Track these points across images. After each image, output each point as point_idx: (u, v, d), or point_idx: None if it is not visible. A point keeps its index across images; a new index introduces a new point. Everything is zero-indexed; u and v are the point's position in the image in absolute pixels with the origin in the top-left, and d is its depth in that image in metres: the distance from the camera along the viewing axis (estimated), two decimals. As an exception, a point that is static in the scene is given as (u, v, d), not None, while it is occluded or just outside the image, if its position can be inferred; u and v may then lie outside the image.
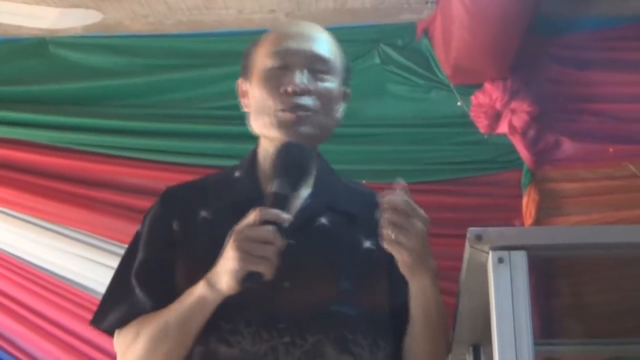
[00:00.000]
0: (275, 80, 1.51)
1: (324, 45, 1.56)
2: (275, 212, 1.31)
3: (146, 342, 1.42)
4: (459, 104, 3.39)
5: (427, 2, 3.33)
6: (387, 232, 1.32)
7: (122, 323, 1.46)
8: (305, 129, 1.48)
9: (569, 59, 3.41)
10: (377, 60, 3.46)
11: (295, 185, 1.39)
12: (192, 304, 1.38)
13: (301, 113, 1.48)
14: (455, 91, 3.38)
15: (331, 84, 1.54)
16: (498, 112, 3.30)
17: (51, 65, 3.53)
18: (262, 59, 1.54)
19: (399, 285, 1.44)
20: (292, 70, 1.51)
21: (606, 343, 2.28)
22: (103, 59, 3.54)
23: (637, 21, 3.42)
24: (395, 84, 3.45)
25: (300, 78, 1.49)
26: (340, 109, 1.59)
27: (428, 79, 3.42)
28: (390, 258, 1.44)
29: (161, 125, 3.45)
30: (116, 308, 1.48)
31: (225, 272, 1.32)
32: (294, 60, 1.52)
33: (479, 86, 3.33)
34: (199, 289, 1.37)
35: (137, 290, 1.46)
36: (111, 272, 1.56)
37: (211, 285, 1.35)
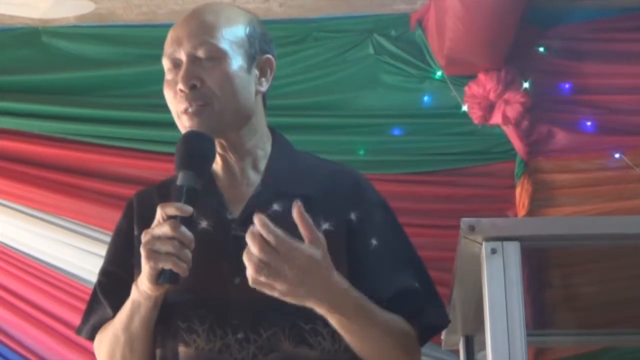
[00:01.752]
0: (171, 83, 1.45)
1: (206, 29, 1.45)
2: (177, 206, 1.29)
3: (106, 348, 1.44)
4: (452, 94, 3.38)
5: (421, -8, 3.33)
6: (252, 274, 1.23)
7: (94, 330, 1.48)
8: (205, 124, 1.41)
9: (562, 49, 3.41)
10: (371, 51, 3.45)
11: (201, 175, 1.35)
12: (129, 308, 1.38)
13: (198, 109, 1.42)
14: (448, 82, 3.38)
15: (226, 65, 1.43)
16: (492, 103, 3.30)
17: (44, 55, 3.52)
18: (163, 60, 1.49)
19: (359, 267, 1.41)
20: (181, 67, 1.44)
21: (598, 334, 2.29)
22: (96, 49, 3.53)
23: (631, 12, 3.42)
24: (389, 75, 3.44)
25: (186, 74, 1.42)
26: (253, 82, 1.48)
27: (421, 69, 3.42)
28: (350, 241, 1.42)
29: (154, 115, 3.43)
30: (91, 316, 1.49)
31: (143, 274, 1.31)
32: (179, 56, 1.44)
33: (472, 77, 3.33)
34: (132, 293, 1.37)
35: (102, 299, 1.48)
36: (101, 261, 1.57)
37: (138, 289, 1.35)
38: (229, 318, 1.38)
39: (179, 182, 1.33)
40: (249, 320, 1.38)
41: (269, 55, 1.52)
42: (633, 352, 3.15)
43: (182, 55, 1.44)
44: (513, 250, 1.17)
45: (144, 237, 1.29)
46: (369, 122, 3.45)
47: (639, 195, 3.29)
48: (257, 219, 1.23)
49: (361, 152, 3.38)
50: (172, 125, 3.74)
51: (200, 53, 1.43)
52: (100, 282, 1.49)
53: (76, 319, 3.35)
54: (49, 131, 3.41)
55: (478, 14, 2.91)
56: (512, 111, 3.27)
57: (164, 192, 1.50)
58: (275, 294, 1.26)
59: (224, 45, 1.45)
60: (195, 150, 1.37)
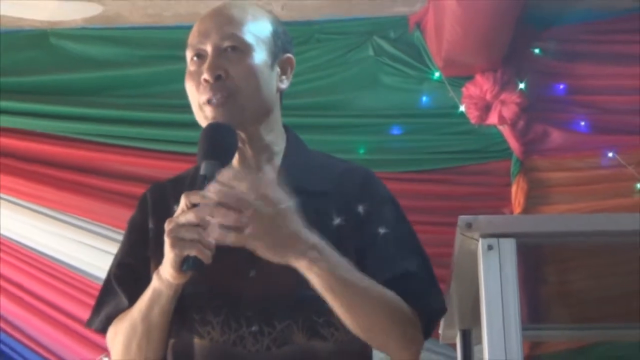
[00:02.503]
0: (194, 74, 1.45)
1: (234, 22, 1.45)
2: (200, 194, 1.26)
3: (122, 338, 1.41)
4: (450, 95, 3.38)
5: (419, -5, 3.33)
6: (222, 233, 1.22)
7: (108, 322, 1.46)
8: (228, 115, 1.41)
9: (557, 51, 3.41)
10: (371, 52, 3.45)
11: (224, 165, 1.33)
12: (149, 297, 1.36)
13: (221, 99, 1.41)
14: (446, 83, 3.38)
15: (251, 59, 1.43)
16: (488, 104, 3.30)
17: (52, 56, 3.52)
18: (187, 52, 1.49)
19: (365, 253, 1.40)
20: (205, 58, 1.43)
21: (591, 328, 2.29)
22: (103, 50, 3.53)
23: (624, 14, 3.42)
24: (388, 76, 3.45)
25: (211, 65, 1.41)
26: (275, 78, 1.48)
27: (420, 70, 3.42)
28: (360, 231, 1.42)
29: (160, 115, 3.45)
30: (103, 308, 1.47)
31: (166, 262, 1.29)
32: (204, 47, 1.44)
33: (469, 78, 3.33)
34: (153, 282, 1.35)
35: (118, 290, 1.46)
36: (107, 257, 1.57)
37: (160, 278, 1.33)
38: (244, 310, 1.37)
39: (202, 171, 1.32)
40: (263, 313, 1.37)
41: (290, 55, 1.53)
42: (625, 347, 3.15)
43: (208, 47, 1.44)
44: (509, 246, 1.17)
45: (168, 226, 1.27)
46: (369, 122, 3.45)
47: (632, 193, 3.29)
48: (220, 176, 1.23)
49: (361, 151, 3.38)
50: (176, 124, 3.78)
51: (227, 44, 1.43)
52: (115, 274, 1.48)
53: (81, 312, 3.39)
54: (56, 130, 3.41)
55: (475, 16, 2.92)
56: (508, 111, 3.27)
57: (178, 186, 1.49)
58: (260, 250, 1.25)
59: (250, 39, 1.45)
60: (218, 140, 1.37)
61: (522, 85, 3.29)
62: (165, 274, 1.31)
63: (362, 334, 1.37)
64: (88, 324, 1.50)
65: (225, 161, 1.35)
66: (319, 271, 1.29)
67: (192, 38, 1.48)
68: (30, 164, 3.38)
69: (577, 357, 3.23)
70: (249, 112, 1.44)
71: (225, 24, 1.45)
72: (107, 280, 1.51)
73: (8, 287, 3.39)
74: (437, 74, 3.38)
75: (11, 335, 3.38)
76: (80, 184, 3.37)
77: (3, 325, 3.38)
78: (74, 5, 3.22)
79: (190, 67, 1.47)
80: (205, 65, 1.42)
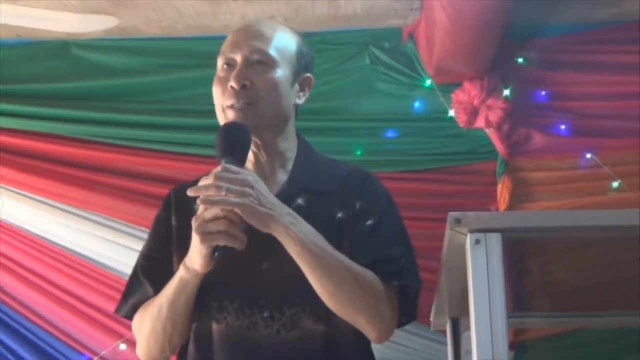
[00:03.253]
0: (222, 80, 1.48)
1: (265, 39, 1.48)
2: (209, 183, 1.31)
3: (148, 323, 1.45)
4: (440, 101, 3.39)
5: (412, 9, 3.32)
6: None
7: (135, 309, 1.49)
8: (247, 121, 1.43)
9: (540, 60, 3.41)
10: (368, 62, 3.45)
11: (241, 161, 1.37)
12: (176, 286, 1.40)
13: (244, 106, 1.44)
14: (437, 89, 3.38)
15: (271, 74, 1.46)
16: (476, 109, 3.30)
17: (73, 65, 3.51)
18: (218, 59, 1.51)
19: (353, 242, 1.43)
20: (234, 68, 1.47)
21: (570, 316, 2.29)
22: (120, 60, 3.53)
23: (600, 27, 3.42)
24: (384, 83, 3.45)
25: (239, 74, 1.45)
26: (293, 94, 1.52)
27: (413, 78, 3.42)
28: (353, 222, 1.45)
29: (173, 119, 3.45)
30: (131, 297, 1.51)
31: (195, 254, 1.33)
32: (235, 57, 1.47)
33: (458, 85, 3.33)
34: (180, 273, 1.39)
35: (144, 281, 1.49)
36: (128, 252, 1.59)
37: (187, 268, 1.36)
38: (257, 298, 1.40)
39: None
40: (274, 301, 1.39)
41: (310, 75, 1.56)
42: (602, 333, 3.15)
43: (238, 57, 1.47)
44: (495, 241, 1.17)
45: (195, 223, 1.31)
46: (366, 126, 3.45)
47: (608, 192, 3.29)
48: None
49: (358, 153, 3.38)
50: (187, 128, 3.77)
51: (256, 57, 1.46)
52: (142, 266, 1.51)
53: (103, 302, 3.38)
54: (78, 134, 3.41)
55: (464, 28, 2.92)
56: (494, 116, 3.27)
57: None
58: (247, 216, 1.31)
59: (276, 55, 1.48)
60: (235, 138, 1.39)
61: (507, 92, 3.29)
62: (194, 265, 1.34)
63: (332, 305, 1.38)
64: (117, 311, 1.53)
65: (240, 156, 1.38)
66: (293, 234, 1.33)
67: (225, 47, 1.50)
68: (54, 165, 3.38)
69: (557, 342, 3.23)
70: (266, 120, 1.46)
71: (256, 39, 1.48)
72: (135, 273, 1.53)
73: (36, 280, 3.39)
74: (428, 82, 3.39)
75: (36, 324, 3.39)
76: (100, 183, 3.36)
77: (30, 315, 3.38)
78: (94, 18, 3.22)
79: (220, 73, 1.50)
80: (234, 74, 1.46)
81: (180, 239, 1.47)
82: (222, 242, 1.30)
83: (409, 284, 1.44)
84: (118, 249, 3.25)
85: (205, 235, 1.30)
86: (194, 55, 3.47)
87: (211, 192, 1.30)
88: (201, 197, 1.30)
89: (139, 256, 1.55)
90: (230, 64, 1.48)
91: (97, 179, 3.37)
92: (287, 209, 1.36)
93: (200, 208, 1.32)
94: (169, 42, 3.53)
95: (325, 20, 3.40)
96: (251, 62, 1.46)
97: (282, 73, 1.48)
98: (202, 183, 1.33)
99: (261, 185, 1.35)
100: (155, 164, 3.38)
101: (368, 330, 1.41)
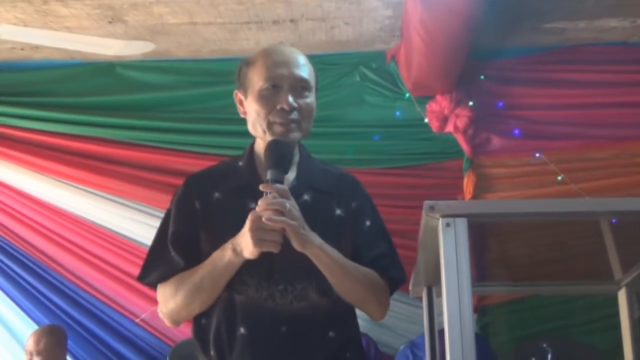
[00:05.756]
0: (269, 98, 1.44)
1: (305, 69, 1.47)
2: (287, 207, 1.31)
3: (185, 295, 1.40)
4: (417, 110, 3.38)
5: (394, 36, 3.32)
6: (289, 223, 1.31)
7: (163, 279, 1.44)
8: (294, 136, 1.43)
9: (498, 77, 3.41)
10: (357, 79, 3.45)
11: (285, 171, 1.37)
12: (224, 266, 1.37)
13: (292, 125, 1.43)
14: (414, 101, 3.38)
15: (310, 99, 1.47)
16: (446, 116, 3.30)
17: (118, 82, 3.51)
18: (257, 79, 1.45)
19: (358, 241, 1.45)
20: (282, 91, 1.43)
21: (523, 285, 2.29)
22: (156, 77, 3.52)
23: (548, 50, 3.42)
24: (371, 96, 3.45)
25: (289, 98, 1.43)
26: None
27: (394, 92, 3.42)
28: (353, 221, 1.45)
29: (198, 125, 3.44)
30: (156, 268, 1.45)
31: (246, 248, 1.32)
32: (283, 83, 1.44)
33: (432, 97, 3.33)
34: (228, 256, 1.36)
35: (173, 254, 1.44)
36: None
37: (237, 253, 1.34)
38: (272, 274, 1.38)
39: (269, 176, 1.34)
40: (287, 276, 1.38)
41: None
42: (549, 299, 3.16)
43: (285, 83, 1.44)
44: (462, 224, 1.17)
45: (252, 224, 1.31)
46: (356, 131, 3.45)
47: (553, 184, 3.29)
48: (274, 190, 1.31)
49: (350, 153, 3.38)
50: (210, 133, 3.75)
51: (299, 84, 1.45)
52: (172, 240, 1.45)
53: (137, 271, 3.41)
54: (120, 137, 3.42)
55: (436, 51, 2.91)
56: (461, 122, 3.27)
57: (213, 177, 1.50)
58: (296, 237, 1.32)
59: (312, 83, 1.48)
60: (282, 154, 1.38)
61: (471, 103, 3.29)
62: (244, 253, 1.33)
63: (348, 298, 1.42)
64: (140, 279, 1.48)
65: (285, 167, 1.37)
66: (324, 256, 1.36)
67: (269, 72, 1.45)
68: (98, 162, 3.38)
69: (512, 306, 3.24)
70: (304, 135, 1.47)
71: (298, 68, 1.46)
72: (157, 246, 1.47)
73: (83, 254, 3.39)
74: (407, 95, 3.39)
75: (85, 290, 3.38)
76: (141, 178, 3.36)
77: (80, 283, 3.38)
78: (135, 44, 3.22)
79: (264, 92, 1.44)
80: (283, 97, 1.43)
81: (206, 220, 1.44)
82: (272, 249, 1.30)
83: (397, 278, 1.47)
84: (150, 229, 3.24)
85: (260, 242, 1.30)
86: (216, 73, 3.46)
87: (277, 208, 1.30)
88: (265, 215, 1.30)
89: (158, 233, 1.49)
90: (276, 87, 1.44)
91: (134, 173, 3.36)
92: (318, 237, 1.36)
93: (259, 207, 1.31)
94: (196, 63, 3.53)
95: (323, 45, 3.40)
96: (296, 88, 1.44)
97: (313, 96, 1.49)
98: (262, 202, 1.32)
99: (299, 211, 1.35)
100: (183, 162, 3.36)
101: (374, 314, 1.45)
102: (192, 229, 1.45)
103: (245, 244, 1.32)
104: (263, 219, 1.30)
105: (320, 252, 1.35)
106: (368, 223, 1.47)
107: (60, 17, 3.06)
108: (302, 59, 1.49)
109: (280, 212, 1.30)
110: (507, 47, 3.39)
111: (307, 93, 1.46)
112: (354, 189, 1.51)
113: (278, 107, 1.43)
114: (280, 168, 1.35)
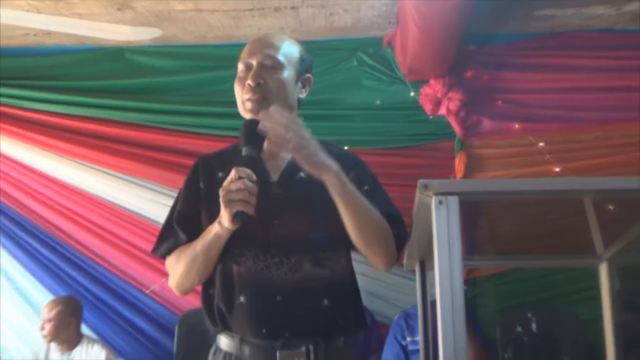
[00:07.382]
0: (242, 79, 1.47)
1: (279, 49, 1.47)
2: (246, 171, 1.31)
3: (184, 264, 1.44)
4: (412, 94, 3.37)
5: (390, 22, 3.30)
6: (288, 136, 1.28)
7: (169, 251, 1.48)
8: (260, 110, 1.41)
9: (490, 62, 3.39)
10: (355, 63, 3.43)
11: (259, 148, 1.34)
12: (212, 238, 1.39)
13: (260, 99, 1.44)
14: (409, 85, 3.37)
15: (281, 74, 1.46)
16: (439, 100, 3.29)
17: (127, 66, 3.50)
18: (239, 65, 1.50)
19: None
20: (251, 70, 1.46)
21: (511, 259, 2.30)
22: (163, 62, 3.51)
23: (538, 36, 3.40)
24: (368, 80, 3.43)
25: (255, 74, 1.44)
26: (297, 90, 1.51)
27: (391, 76, 3.41)
28: None
29: (203, 108, 3.43)
30: (165, 241, 1.50)
31: (223, 216, 1.33)
32: (252, 61, 1.47)
33: (426, 82, 3.32)
34: (215, 228, 1.38)
35: (178, 230, 1.48)
36: (166, 208, 1.57)
37: (221, 225, 1.36)
38: (269, 247, 1.40)
39: (244, 153, 1.34)
40: (283, 249, 1.40)
41: (310, 75, 1.55)
42: (533, 272, 3.19)
43: (254, 62, 1.47)
44: (454, 202, 1.17)
45: (222, 192, 1.30)
46: (354, 113, 3.44)
47: (540, 164, 3.30)
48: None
49: (350, 134, 3.38)
50: (214, 115, 3.75)
51: (267, 62, 1.46)
52: (176, 218, 1.49)
53: (147, 246, 3.41)
54: (129, 119, 3.41)
55: (430, 37, 2.90)
56: (453, 105, 3.27)
57: (220, 158, 1.52)
58: (304, 158, 1.30)
59: (284, 60, 1.48)
60: (253, 131, 1.36)
61: (463, 87, 3.28)
62: (225, 224, 1.34)
63: (356, 235, 1.38)
64: (153, 251, 1.52)
65: (259, 145, 1.36)
66: (340, 182, 1.33)
67: (244, 54, 1.50)
68: (109, 142, 3.38)
69: (499, 279, 3.27)
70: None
71: (268, 47, 1.48)
72: (168, 222, 1.52)
73: (96, 229, 3.41)
74: (403, 79, 3.37)
75: (98, 263, 3.40)
76: (152, 158, 3.36)
77: (93, 256, 3.40)
78: (143, 30, 3.20)
79: (240, 74, 1.49)
80: (251, 74, 1.46)
81: (208, 199, 1.46)
82: (241, 208, 1.29)
83: (404, 234, 1.47)
84: (161, 208, 3.25)
85: (228, 202, 1.29)
86: (220, 58, 3.45)
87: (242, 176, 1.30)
88: (233, 186, 1.29)
89: (171, 210, 1.53)
90: (248, 67, 1.47)
91: (144, 153, 3.36)
92: (330, 159, 1.32)
93: (226, 180, 1.31)
94: (201, 48, 3.51)
95: (322, 31, 3.38)
96: (264, 66, 1.46)
97: (287, 73, 1.47)
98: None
99: (315, 142, 1.32)
100: (194, 143, 3.36)
101: (379, 257, 1.41)
102: (195, 207, 1.48)
103: (222, 214, 1.33)
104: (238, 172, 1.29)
105: (336, 179, 1.32)
106: (366, 187, 1.46)
107: (72, 4, 3.04)
108: (278, 41, 1.49)
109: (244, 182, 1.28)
110: (498, 33, 3.38)
111: (276, 70, 1.46)
112: (354, 162, 1.51)
113: (246, 84, 1.45)
114: (254, 144, 1.34)
